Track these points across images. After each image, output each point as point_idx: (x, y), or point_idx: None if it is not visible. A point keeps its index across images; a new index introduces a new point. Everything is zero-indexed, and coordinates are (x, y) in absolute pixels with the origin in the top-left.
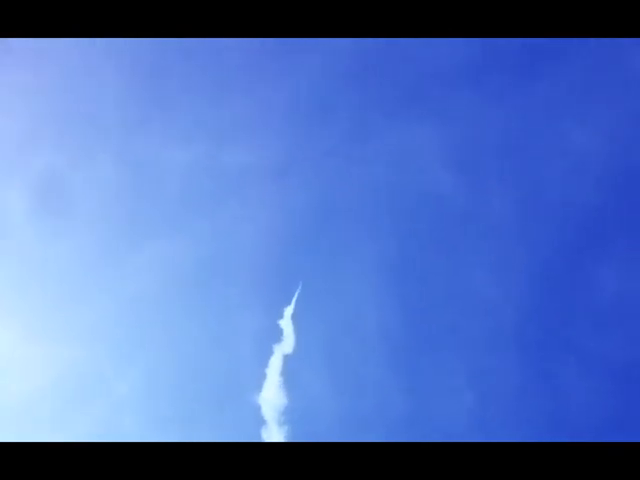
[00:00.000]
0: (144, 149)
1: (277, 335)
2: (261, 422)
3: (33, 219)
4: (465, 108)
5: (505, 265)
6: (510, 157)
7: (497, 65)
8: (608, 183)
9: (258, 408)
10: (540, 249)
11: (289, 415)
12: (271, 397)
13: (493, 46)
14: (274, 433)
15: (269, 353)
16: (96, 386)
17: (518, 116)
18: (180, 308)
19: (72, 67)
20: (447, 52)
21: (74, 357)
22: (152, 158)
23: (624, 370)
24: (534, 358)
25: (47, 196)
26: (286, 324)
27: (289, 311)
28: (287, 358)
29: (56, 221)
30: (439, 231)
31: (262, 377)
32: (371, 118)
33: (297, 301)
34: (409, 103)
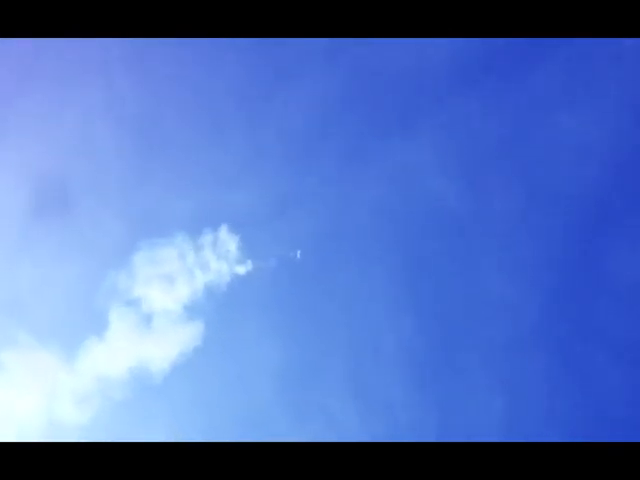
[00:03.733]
0: (146, 202)
1: None
2: None
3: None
4: (457, 114)
5: (518, 263)
6: (509, 156)
7: (485, 65)
8: (610, 167)
9: None
10: (551, 242)
11: None
12: None
13: (477, 46)
14: None
15: None
16: None
17: (511, 115)
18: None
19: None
20: (431, 59)
21: None
22: (156, 210)
23: None
24: (560, 353)
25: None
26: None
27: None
28: None
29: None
30: (447, 239)
31: None
32: (365, 139)
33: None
34: (400, 118)
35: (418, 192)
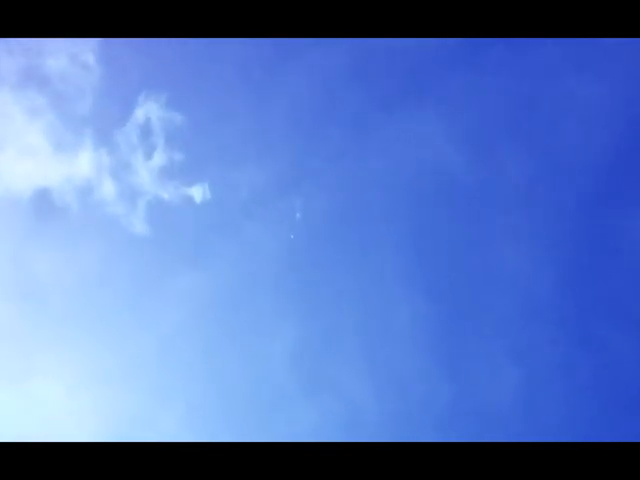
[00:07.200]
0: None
1: None
2: None
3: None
4: (463, 85)
5: (530, 233)
6: (519, 125)
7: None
8: (625, 135)
9: None
10: (565, 213)
11: None
12: None
13: None
14: None
15: None
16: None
17: (521, 82)
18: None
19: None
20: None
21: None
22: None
23: None
24: (574, 324)
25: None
26: None
27: None
28: None
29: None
30: (459, 211)
31: None
32: (372, 113)
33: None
34: (405, 92)
35: (427, 163)
